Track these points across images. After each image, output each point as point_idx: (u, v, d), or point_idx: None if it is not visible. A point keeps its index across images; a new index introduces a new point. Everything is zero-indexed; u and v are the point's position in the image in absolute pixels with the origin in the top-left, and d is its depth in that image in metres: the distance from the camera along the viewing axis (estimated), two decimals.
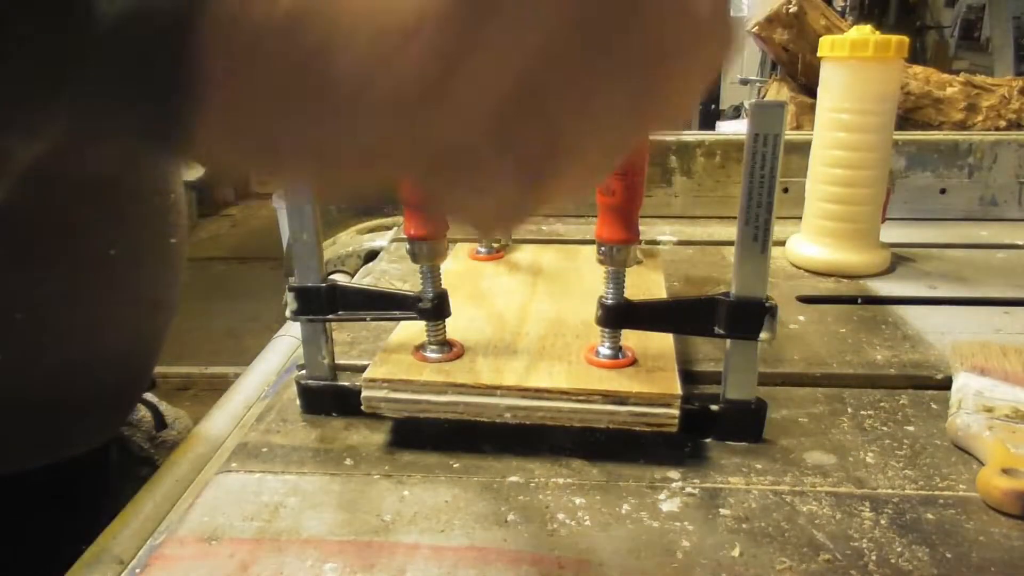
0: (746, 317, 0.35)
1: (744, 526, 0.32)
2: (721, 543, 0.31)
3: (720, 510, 0.33)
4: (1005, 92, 0.97)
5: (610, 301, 0.38)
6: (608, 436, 0.38)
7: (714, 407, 0.38)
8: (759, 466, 0.36)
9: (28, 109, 0.20)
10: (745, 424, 0.38)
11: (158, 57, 0.20)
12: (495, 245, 0.57)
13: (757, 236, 0.34)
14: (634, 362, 0.38)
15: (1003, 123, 0.96)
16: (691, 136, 0.82)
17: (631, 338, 0.39)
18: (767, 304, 0.35)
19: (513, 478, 0.35)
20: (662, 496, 0.34)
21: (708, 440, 0.38)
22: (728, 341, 0.36)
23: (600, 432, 0.37)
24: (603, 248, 0.37)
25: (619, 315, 0.38)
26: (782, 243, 0.68)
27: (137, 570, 0.30)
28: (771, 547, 0.30)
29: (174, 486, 0.37)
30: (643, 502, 0.33)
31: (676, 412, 0.36)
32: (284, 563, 0.30)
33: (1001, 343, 0.44)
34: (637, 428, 0.36)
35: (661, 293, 0.49)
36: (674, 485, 0.34)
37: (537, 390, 0.36)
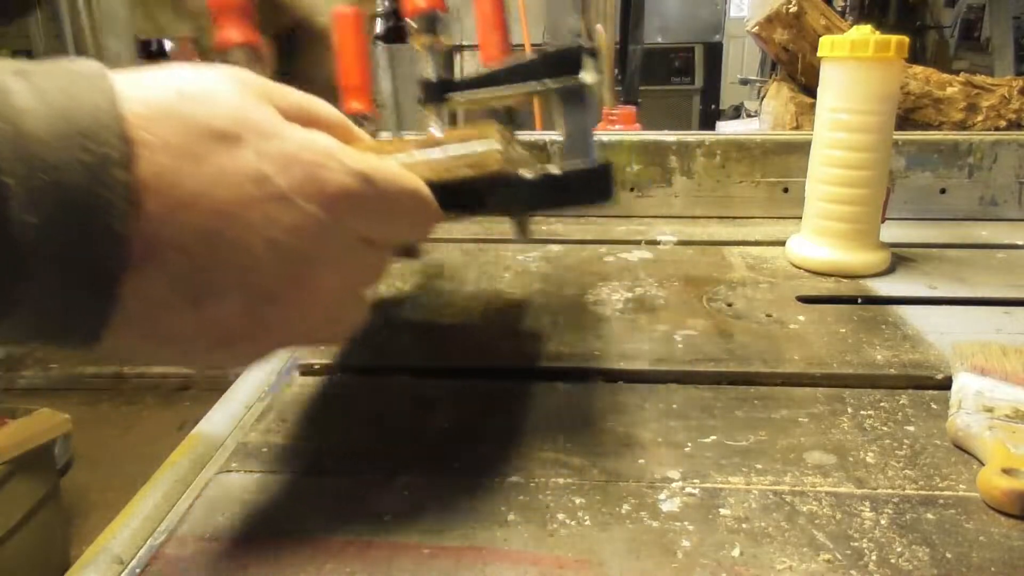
0: (566, 61, 0.35)
1: (744, 526, 0.32)
2: (721, 543, 0.31)
3: (720, 510, 0.33)
4: (1005, 92, 0.97)
5: (430, 76, 0.37)
6: (608, 436, 0.38)
7: (555, 170, 0.36)
8: (759, 466, 0.36)
9: None
10: (593, 183, 0.37)
11: (84, 266, 0.23)
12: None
13: None
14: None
15: (1003, 123, 0.96)
16: (691, 136, 0.82)
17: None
18: (585, 46, 0.35)
19: (513, 478, 0.35)
20: (662, 496, 0.34)
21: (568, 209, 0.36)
22: (563, 112, 0.36)
23: (600, 431, 0.37)
24: (414, 21, 0.36)
25: (440, 88, 0.37)
26: (782, 243, 0.68)
27: (137, 570, 0.30)
28: (771, 547, 0.30)
29: (174, 486, 0.36)
30: (643, 502, 0.33)
31: (498, 145, 0.34)
32: (284, 563, 0.30)
33: (1001, 343, 0.44)
34: (463, 174, 0.34)
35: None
36: (674, 485, 0.34)
37: None
